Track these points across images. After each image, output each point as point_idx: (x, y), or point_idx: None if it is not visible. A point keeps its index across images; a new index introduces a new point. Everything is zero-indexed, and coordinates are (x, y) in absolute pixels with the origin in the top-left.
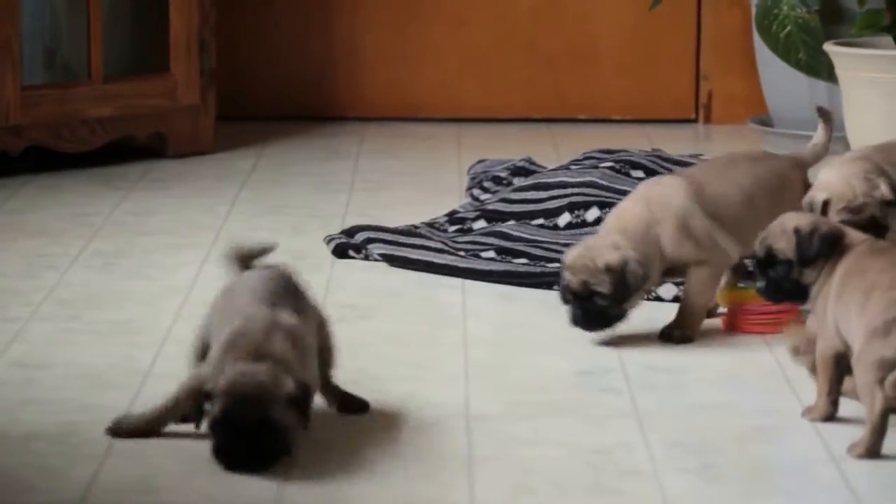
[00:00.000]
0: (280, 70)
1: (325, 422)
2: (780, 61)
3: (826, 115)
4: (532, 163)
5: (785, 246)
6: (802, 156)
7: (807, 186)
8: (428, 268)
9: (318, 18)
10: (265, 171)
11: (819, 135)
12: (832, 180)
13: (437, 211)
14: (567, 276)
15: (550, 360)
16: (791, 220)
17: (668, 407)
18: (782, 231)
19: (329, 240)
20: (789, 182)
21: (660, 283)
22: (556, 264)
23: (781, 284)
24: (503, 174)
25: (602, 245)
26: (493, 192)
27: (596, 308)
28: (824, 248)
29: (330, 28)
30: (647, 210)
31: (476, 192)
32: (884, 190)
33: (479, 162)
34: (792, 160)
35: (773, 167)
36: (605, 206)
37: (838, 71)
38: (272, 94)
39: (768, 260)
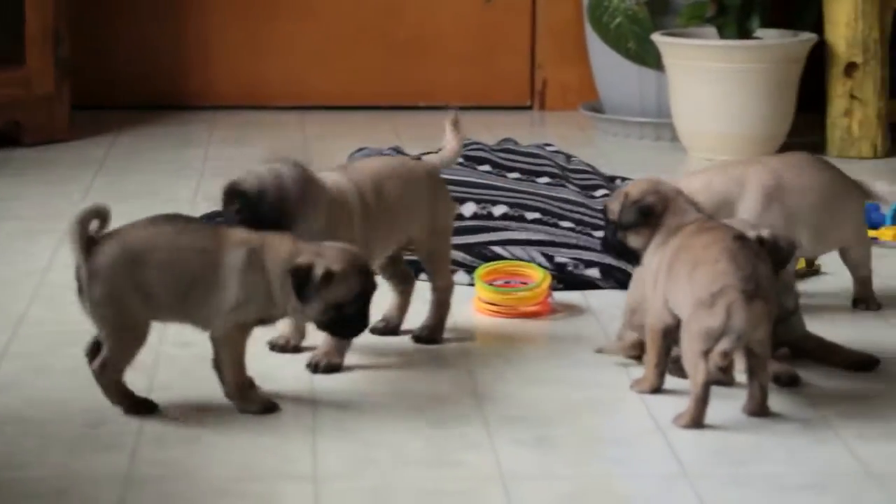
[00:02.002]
0: (134, 61)
1: (174, 397)
2: (610, 51)
3: (455, 123)
4: (399, 152)
5: (615, 207)
6: (433, 163)
7: (442, 191)
8: None
9: (170, 11)
10: (119, 159)
11: (449, 139)
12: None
13: None
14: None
15: (390, 337)
16: (632, 186)
17: (502, 382)
18: (620, 193)
19: None
20: (426, 186)
21: None
22: None
23: (610, 242)
24: None
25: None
26: None
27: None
28: (638, 219)
29: (182, 20)
30: None
31: None
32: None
33: (359, 150)
34: (429, 165)
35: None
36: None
37: (665, 60)
38: (126, 83)
39: (603, 217)
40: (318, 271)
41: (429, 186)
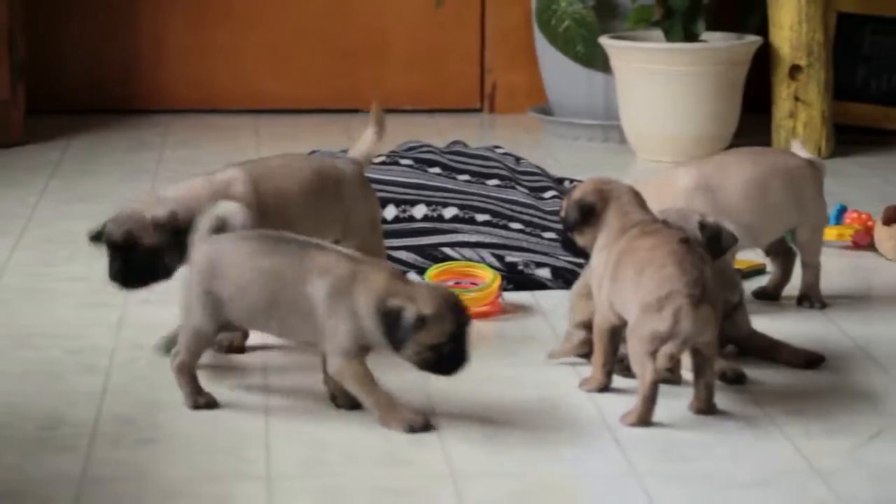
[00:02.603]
0: (88, 65)
1: (126, 395)
2: (558, 54)
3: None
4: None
5: (565, 206)
6: (355, 158)
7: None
8: None
9: (123, 16)
10: (73, 162)
11: (367, 133)
12: None
13: None
14: None
15: None
16: (575, 186)
17: (454, 381)
18: (569, 193)
19: None
20: (342, 183)
21: None
22: None
23: (563, 240)
24: None
25: None
26: None
27: None
28: (578, 218)
29: (135, 25)
30: None
31: None
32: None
33: (311, 153)
34: (341, 164)
35: (321, 168)
36: (400, 203)
37: (613, 62)
38: (80, 88)
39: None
40: (409, 316)
41: (336, 185)
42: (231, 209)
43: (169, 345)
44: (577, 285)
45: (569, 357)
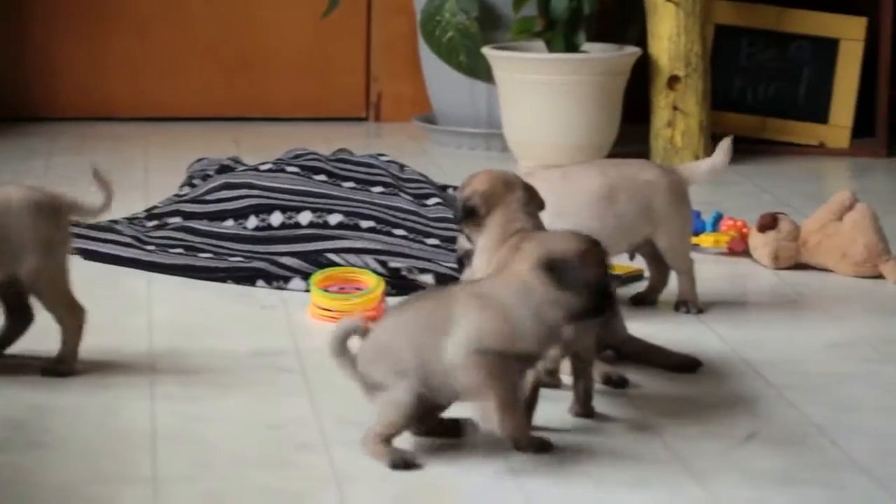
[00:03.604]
0: None
1: (15, 401)
2: (443, 64)
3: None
4: (237, 161)
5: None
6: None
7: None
8: (114, 260)
9: (10, 24)
10: None
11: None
12: None
13: (123, 205)
14: None
15: (227, 344)
16: (470, 179)
17: (336, 385)
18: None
19: None
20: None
21: None
22: (238, 258)
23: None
24: (211, 171)
25: None
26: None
27: None
28: (462, 217)
29: (23, 33)
30: None
31: (186, 189)
32: None
33: (198, 161)
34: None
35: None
36: (286, 210)
37: (496, 72)
38: None
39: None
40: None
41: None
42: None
43: None
44: None
45: None
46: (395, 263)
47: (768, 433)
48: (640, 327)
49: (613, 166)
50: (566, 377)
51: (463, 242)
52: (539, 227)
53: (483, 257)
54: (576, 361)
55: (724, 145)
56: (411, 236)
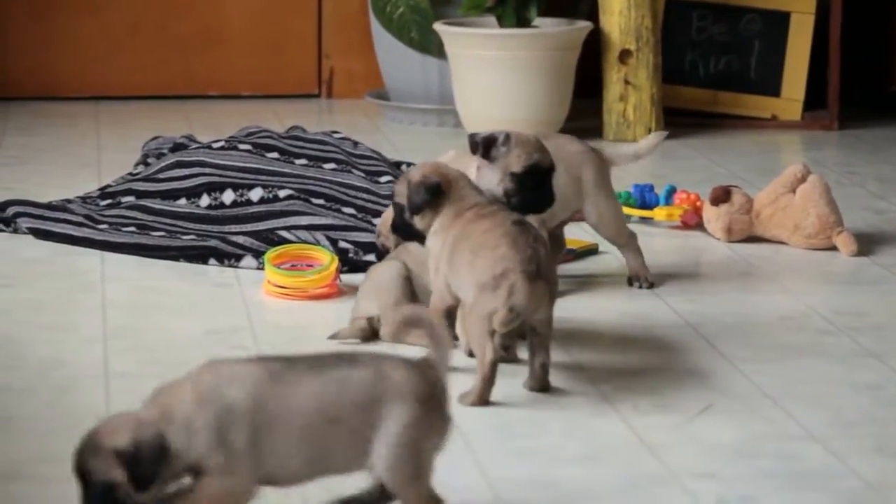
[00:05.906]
0: None
1: None
2: (394, 40)
3: None
4: (192, 139)
5: (402, 190)
6: None
7: None
8: (67, 240)
9: None
10: None
11: None
12: None
13: (75, 184)
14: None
15: (182, 322)
16: (413, 169)
17: None
18: (404, 177)
19: None
20: None
21: None
22: (191, 237)
23: (398, 224)
24: (165, 150)
25: None
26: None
27: None
28: (427, 198)
29: None
30: None
31: (140, 167)
32: None
33: (154, 139)
34: None
35: None
36: (238, 188)
37: (447, 48)
38: None
39: (392, 200)
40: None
41: None
42: None
43: None
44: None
45: (353, 338)
46: (343, 244)
47: (723, 405)
48: (596, 301)
49: (542, 139)
50: (523, 353)
51: (384, 239)
52: (490, 202)
53: (437, 238)
54: (532, 336)
55: (654, 137)
56: (360, 215)
